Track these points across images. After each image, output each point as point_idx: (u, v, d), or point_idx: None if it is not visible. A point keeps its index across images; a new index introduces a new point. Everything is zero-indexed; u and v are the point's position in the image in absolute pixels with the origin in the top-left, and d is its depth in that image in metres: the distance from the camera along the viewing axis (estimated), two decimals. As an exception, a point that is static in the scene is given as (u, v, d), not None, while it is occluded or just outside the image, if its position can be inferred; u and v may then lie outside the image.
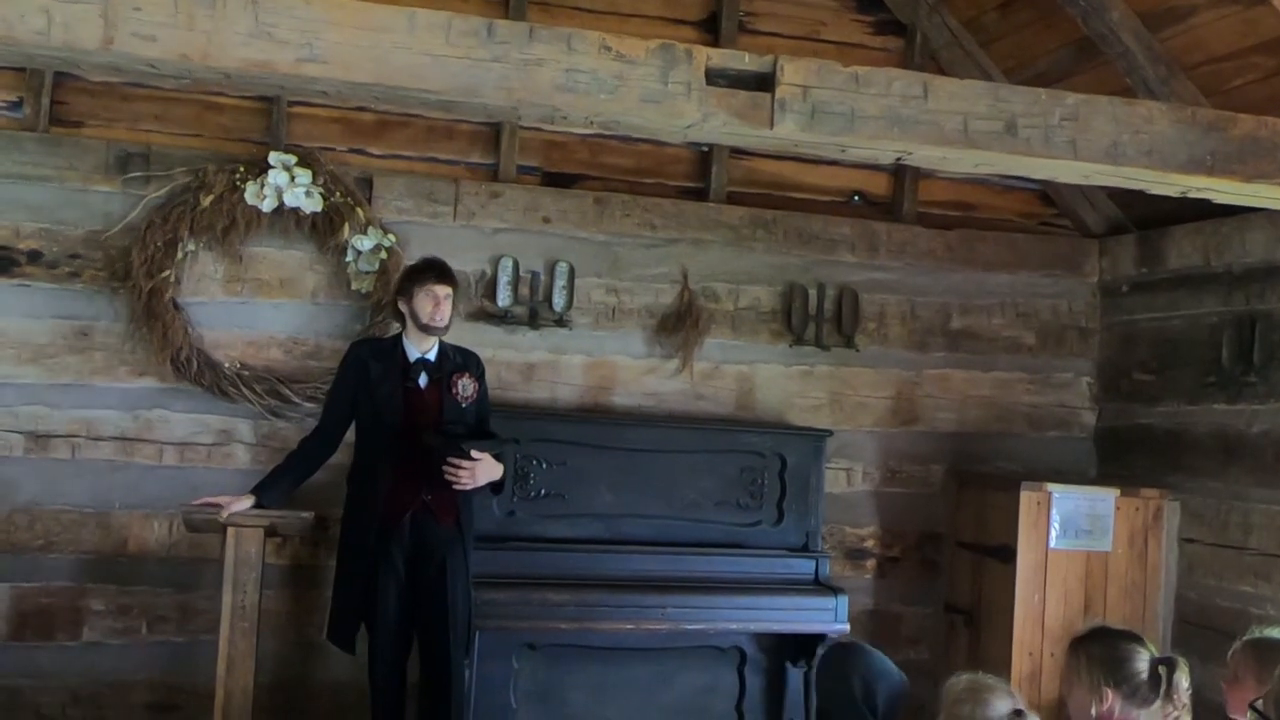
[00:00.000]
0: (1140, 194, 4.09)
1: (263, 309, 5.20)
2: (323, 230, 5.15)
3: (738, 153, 5.71)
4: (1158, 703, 3.09)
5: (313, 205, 5.08)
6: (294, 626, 5.15)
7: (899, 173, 5.92)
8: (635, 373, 5.59)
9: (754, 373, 5.72)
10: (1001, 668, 5.09)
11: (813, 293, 5.74)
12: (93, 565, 5.01)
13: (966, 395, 5.96)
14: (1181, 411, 5.62)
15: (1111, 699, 3.08)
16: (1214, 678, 3.34)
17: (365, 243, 5.13)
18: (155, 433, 5.08)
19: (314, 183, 5.08)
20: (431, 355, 4.62)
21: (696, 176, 5.78)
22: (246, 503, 4.47)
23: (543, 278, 5.43)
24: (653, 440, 5.32)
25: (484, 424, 4.69)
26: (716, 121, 3.38)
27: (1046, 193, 6.14)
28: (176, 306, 5.03)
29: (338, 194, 5.12)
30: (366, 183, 5.26)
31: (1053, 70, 5.39)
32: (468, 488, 4.49)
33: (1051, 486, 5.45)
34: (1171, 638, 5.50)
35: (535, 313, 5.41)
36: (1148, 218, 5.79)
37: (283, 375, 5.13)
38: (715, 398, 5.67)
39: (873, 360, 5.83)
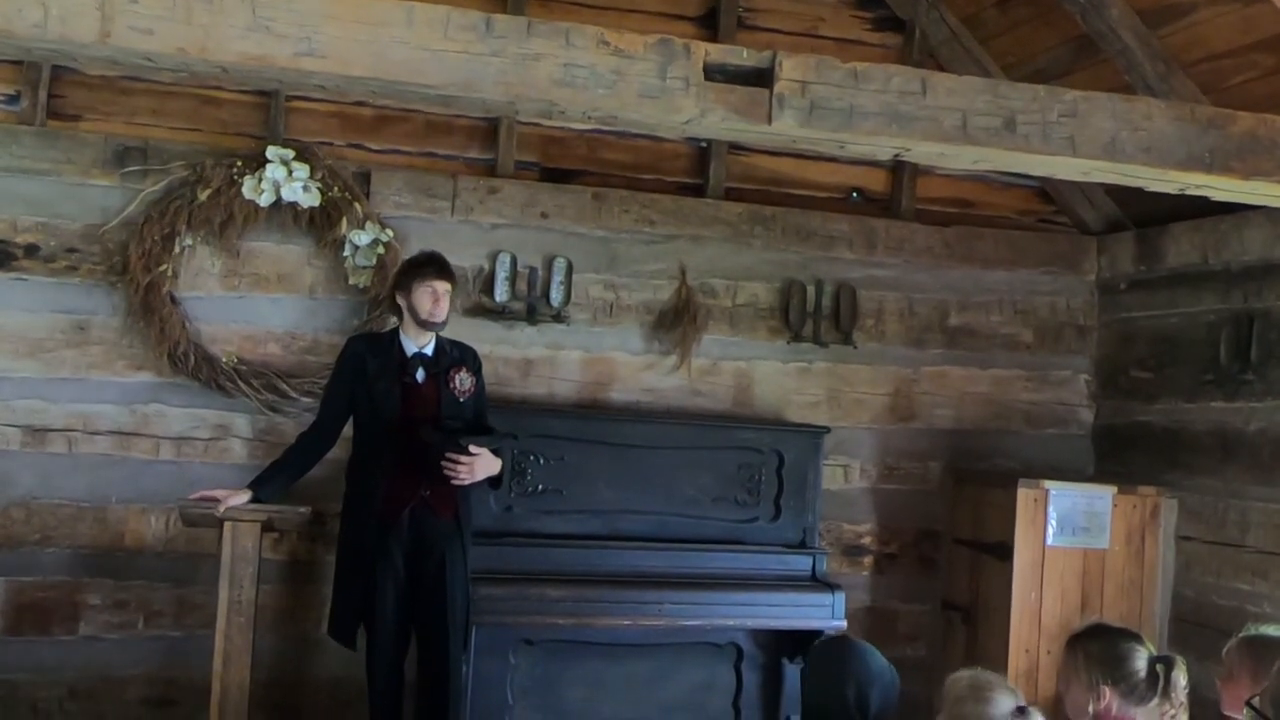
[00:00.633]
0: (1139, 191, 4.09)
1: (260, 304, 5.20)
2: (320, 225, 5.14)
3: (736, 148, 5.71)
4: (1155, 701, 3.09)
5: (310, 200, 5.07)
6: (291, 621, 5.15)
7: (897, 169, 5.92)
8: (633, 369, 5.58)
9: (752, 369, 5.72)
10: (998, 665, 5.09)
11: (811, 289, 5.73)
12: (89, 560, 5.01)
13: (964, 392, 5.96)
14: (1179, 409, 5.62)
15: (1109, 697, 3.08)
16: (1210, 675, 3.34)
17: (363, 238, 5.12)
18: (152, 427, 5.07)
19: (312, 177, 5.07)
20: (429, 350, 4.61)
21: (695, 172, 5.77)
22: (243, 497, 4.45)
23: (540, 273, 5.43)
24: (650, 436, 5.32)
25: (481, 419, 4.68)
26: (715, 117, 3.37)
27: (1045, 190, 6.14)
28: (174, 301, 5.03)
29: (335, 189, 5.11)
30: (364, 177, 5.25)
31: (1052, 67, 5.38)
32: (466, 483, 4.48)
33: (1049, 484, 5.45)
34: (1168, 635, 5.49)
35: (533, 308, 5.41)
36: (1146, 215, 5.79)
37: (280, 370, 5.13)
38: (713, 394, 5.67)
39: (870, 357, 5.83)
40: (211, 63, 3.08)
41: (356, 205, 5.13)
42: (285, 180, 5.03)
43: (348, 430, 4.66)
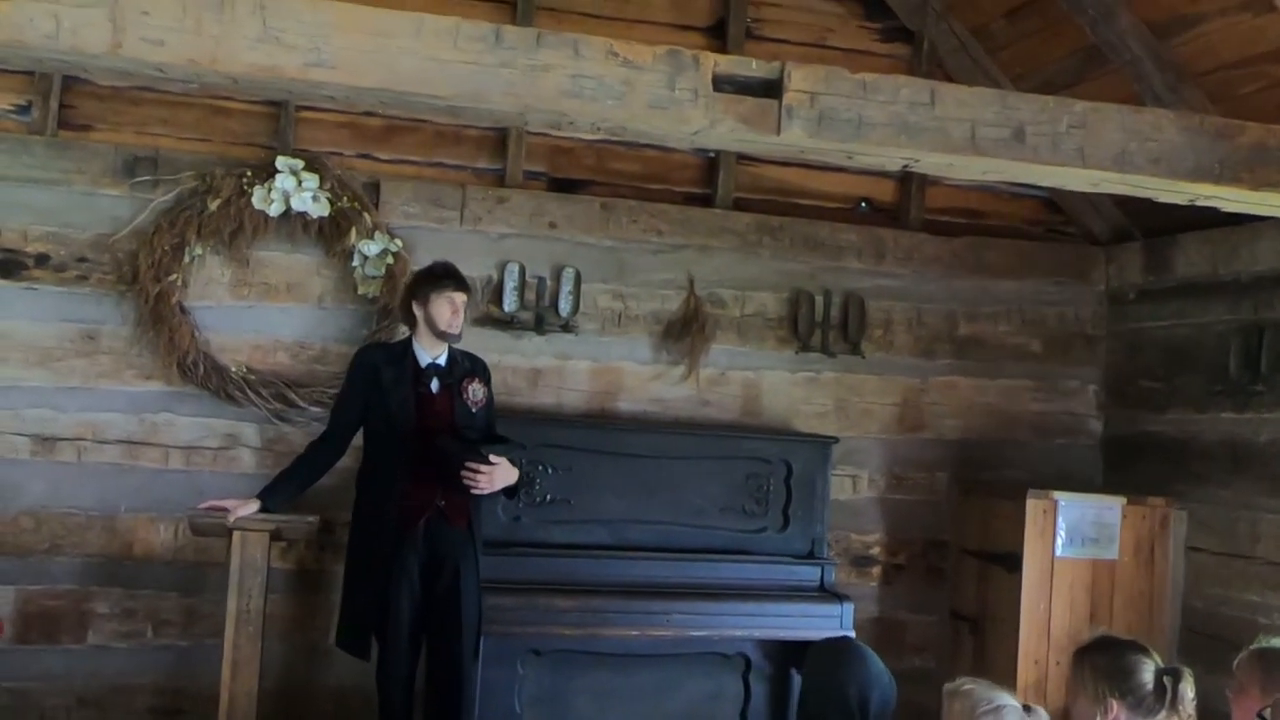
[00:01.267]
0: (1148, 202, 4.08)
1: (269, 313, 5.21)
2: (329, 235, 5.16)
3: (744, 159, 5.72)
4: (1163, 713, 3.07)
5: (320, 210, 5.09)
6: (299, 631, 5.16)
7: (906, 180, 5.92)
8: (641, 379, 5.58)
9: (760, 379, 5.72)
10: (1007, 676, 5.08)
11: (819, 299, 5.73)
12: (98, 568, 5.02)
13: (973, 402, 5.95)
14: (1189, 420, 5.61)
15: (1116, 709, 3.07)
16: (1221, 688, 3.32)
17: (372, 248, 5.13)
18: (161, 436, 5.09)
19: (321, 187, 5.08)
20: (442, 361, 4.62)
21: (703, 183, 5.77)
22: (252, 507, 4.47)
23: (549, 283, 5.44)
24: (658, 446, 5.31)
25: (491, 429, 4.69)
26: (723, 127, 3.37)
27: (1054, 200, 6.13)
28: (183, 310, 5.04)
29: (345, 199, 5.12)
30: (374, 188, 5.27)
31: (1060, 78, 5.38)
32: (485, 492, 4.48)
33: (1058, 494, 5.44)
34: (1178, 647, 5.47)
35: (541, 318, 5.41)
36: (1155, 226, 5.78)
37: (289, 379, 5.14)
38: (721, 404, 5.67)
39: (879, 367, 5.82)
40: (222, 74, 3.09)
41: (365, 215, 5.14)
42: (295, 190, 5.05)
43: (357, 440, 4.66)
